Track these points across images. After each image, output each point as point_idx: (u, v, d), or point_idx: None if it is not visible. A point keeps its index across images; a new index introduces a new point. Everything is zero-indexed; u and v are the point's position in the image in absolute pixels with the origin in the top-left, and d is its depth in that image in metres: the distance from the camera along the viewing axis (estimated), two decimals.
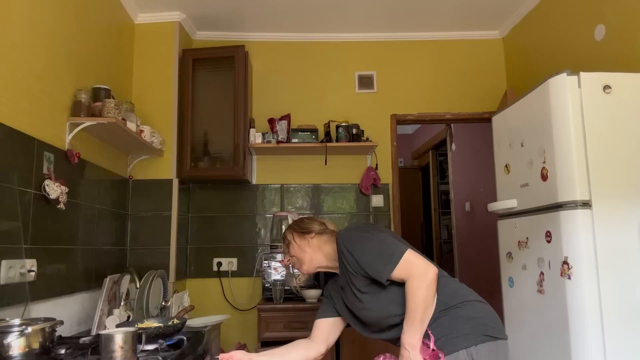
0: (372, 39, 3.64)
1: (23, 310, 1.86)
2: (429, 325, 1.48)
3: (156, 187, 3.05)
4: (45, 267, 2.03)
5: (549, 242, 2.04)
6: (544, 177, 2.07)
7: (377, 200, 3.48)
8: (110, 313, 2.20)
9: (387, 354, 1.69)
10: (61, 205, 2.06)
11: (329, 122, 3.37)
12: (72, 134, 2.27)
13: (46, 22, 2.12)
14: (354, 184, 3.50)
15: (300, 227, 1.78)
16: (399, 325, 1.52)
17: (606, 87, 1.98)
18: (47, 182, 2.00)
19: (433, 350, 1.44)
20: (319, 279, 3.00)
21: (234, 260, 3.39)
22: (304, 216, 2.11)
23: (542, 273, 2.09)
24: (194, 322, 2.39)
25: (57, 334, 1.75)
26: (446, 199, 5.47)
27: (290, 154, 3.47)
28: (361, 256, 1.54)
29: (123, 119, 2.50)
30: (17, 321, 1.63)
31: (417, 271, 1.46)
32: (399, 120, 3.59)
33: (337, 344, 2.79)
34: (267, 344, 2.76)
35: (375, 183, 3.44)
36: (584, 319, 1.86)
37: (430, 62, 3.64)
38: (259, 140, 3.25)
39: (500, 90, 3.56)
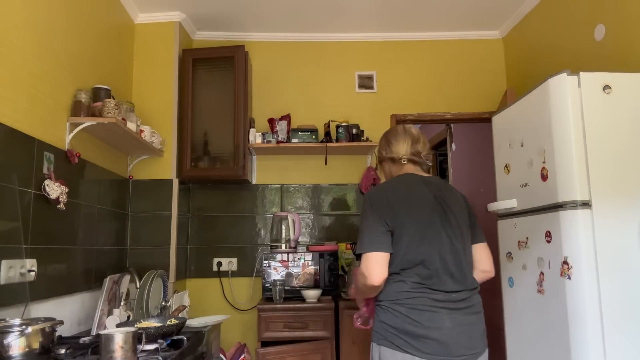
0: (372, 39, 3.64)
1: (23, 310, 1.86)
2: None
3: (156, 187, 3.05)
4: (45, 267, 2.03)
5: (548, 242, 2.04)
6: (544, 177, 2.07)
7: None
8: (110, 313, 2.20)
9: (364, 309, 1.82)
10: (61, 205, 2.07)
11: (329, 122, 3.37)
12: (72, 134, 2.28)
13: (46, 22, 2.12)
14: (354, 184, 3.50)
15: (378, 152, 1.92)
16: None
17: (606, 87, 1.98)
18: (47, 182, 2.00)
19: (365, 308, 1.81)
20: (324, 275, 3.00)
21: (234, 260, 3.39)
22: (392, 130, 1.91)
23: (542, 273, 2.09)
24: (194, 322, 2.39)
25: (57, 334, 1.75)
26: None
27: (290, 154, 3.47)
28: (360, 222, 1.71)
29: (123, 119, 2.50)
30: (17, 321, 1.64)
31: (364, 269, 1.59)
32: (399, 120, 3.59)
33: (337, 344, 2.79)
34: (267, 344, 2.76)
35: (375, 183, 3.43)
36: (583, 319, 1.86)
37: (430, 62, 3.64)
38: (259, 140, 3.25)
39: (500, 90, 3.56)
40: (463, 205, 1.78)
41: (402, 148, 1.80)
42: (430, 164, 1.85)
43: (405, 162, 1.79)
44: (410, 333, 1.55)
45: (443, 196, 1.72)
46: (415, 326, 1.55)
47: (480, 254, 1.78)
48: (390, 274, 1.61)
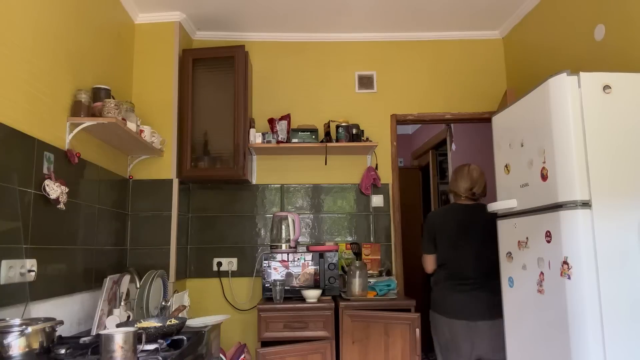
0: (372, 39, 3.64)
1: (23, 310, 1.86)
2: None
3: (156, 187, 3.05)
4: (45, 267, 2.03)
5: (548, 242, 2.04)
6: (544, 177, 2.07)
7: (377, 200, 3.48)
8: (110, 313, 2.20)
9: None
10: (61, 205, 2.07)
11: (329, 122, 3.37)
12: (72, 134, 2.28)
13: (46, 22, 2.12)
14: (354, 184, 3.50)
15: (449, 183, 2.83)
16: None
17: (606, 87, 1.97)
18: (47, 182, 2.00)
19: None
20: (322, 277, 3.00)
21: (234, 260, 3.40)
22: (460, 169, 2.76)
23: (542, 273, 2.09)
24: (194, 322, 2.39)
25: (57, 334, 1.75)
26: (446, 199, 5.47)
27: (290, 154, 3.47)
28: None
29: (123, 119, 2.50)
30: (17, 321, 1.64)
31: (423, 263, 2.77)
32: (399, 120, 3.59)
33: (337, 344, 2.79)
34: (267, 344, 2.76)
35: (375, 183, 3.44)
36: (583, 319, 1.86)
37: (430, 62, 3.64)
38: (259, 140, 3.25)
39: (500, 90, 3.56)
40: (488, 224, 2.55)
41: (462, 187, 2.69)
42: (481, 200, 2.72)
43: (463, 197, 2.70)
44: (438, 302, 2.60)
45: (470, 220, 2.64)
46: (440, 298, 2.60)
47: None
48: (437, 266, 2.69)
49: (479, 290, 2.52)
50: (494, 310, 2.43)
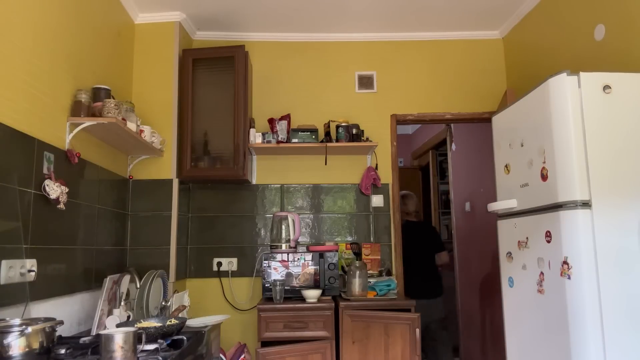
0: (372, 39, 3.64)
1: (23, 310, 1.86)
2: None
3: (156, 187, 3.05)
4: (45, 267, 2.03)
5: (548, 242, 2.04)
6: (544, 177, 2.07)
7: (377, 200, 3.48)
8: (110, 313, 2.20)
9: None
10: (61, 205, 2.07)
11: (329, 122, 3.37)
12: (72, 134, 2.28)
13: (46, 22, 2.12)
14: (354, 184, 3.50)
15: (400, 206, 3.59)
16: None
17: (606, 87, 1.98)
18: (47, 182, 2.00)
19: None
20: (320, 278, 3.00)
21: (234, 260, 3.40)
22: (406, 195, 3.96)
23: (542, 273, 2.09)
24: (194, 322, 2.39)
25: (57, 334, 1.75)
26: (446, 199, 5.47)
27: (290, 154, 3.47)
28: None
29: (123, 119, 2.50)
30: (17, 321, 1.64)
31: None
32: (399, 120, 3.59)
33: (337, 344, 2.79)
34: (267, 344, 2.76)
35: (375, 183, 3.44)
36: (583, 319, 1.86)
37: (430, 62, 3.64)
38: (259, 140, 3.25)
39: (500, 90, 3.56)
40: (430, 234, 4.02)
41: (411, 208, 3.97)
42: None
43: (413, 215, 3.97)
44: (412, 289, 3.50)
45: (419, 232, 3.92)
46: (412, 286, 3.53)
47: (438, 256, 3.96)
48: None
49: (428, 280, 3.80)
50: (436, 291, 3.80)
